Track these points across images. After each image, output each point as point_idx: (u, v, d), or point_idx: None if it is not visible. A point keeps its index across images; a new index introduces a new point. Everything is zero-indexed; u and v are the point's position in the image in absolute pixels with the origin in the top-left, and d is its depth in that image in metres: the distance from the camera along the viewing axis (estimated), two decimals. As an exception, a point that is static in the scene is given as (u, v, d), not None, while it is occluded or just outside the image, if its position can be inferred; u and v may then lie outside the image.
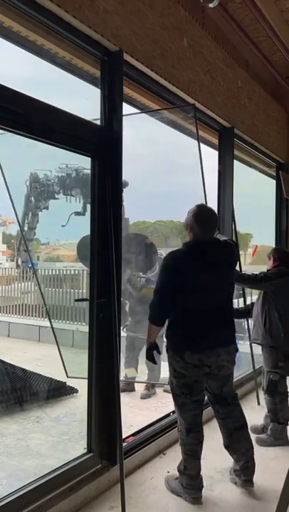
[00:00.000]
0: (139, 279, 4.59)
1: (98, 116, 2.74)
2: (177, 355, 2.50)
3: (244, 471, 2.65)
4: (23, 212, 12.22)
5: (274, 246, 5.68)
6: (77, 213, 5.37)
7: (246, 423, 2.70)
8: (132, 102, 3.42)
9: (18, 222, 12.43)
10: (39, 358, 6.99)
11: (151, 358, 2.64)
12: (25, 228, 12.48)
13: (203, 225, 2.56)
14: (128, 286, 4.52)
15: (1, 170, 3.76)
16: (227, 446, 2.70)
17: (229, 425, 2.67)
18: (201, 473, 2.60)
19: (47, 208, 11.30)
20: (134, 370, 5.37)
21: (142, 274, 4.62)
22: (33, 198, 11.44)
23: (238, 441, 2.66)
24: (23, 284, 10.82)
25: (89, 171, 4.62)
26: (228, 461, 2.78)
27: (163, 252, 4.43)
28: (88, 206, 5.03)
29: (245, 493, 2.65)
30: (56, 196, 10.55)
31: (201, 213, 2.59)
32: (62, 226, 5.72)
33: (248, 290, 4.49)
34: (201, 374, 2.52)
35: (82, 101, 3.07)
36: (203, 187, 3.54)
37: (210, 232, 2.60)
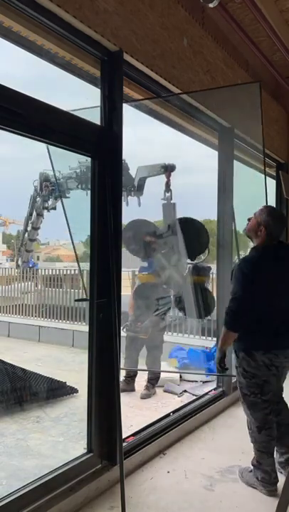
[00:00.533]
0: (187, 266, 4.49)
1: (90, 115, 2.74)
2: (248, 355, 2.58)
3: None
4: (27, 213, 12.24)
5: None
6: None
7: None
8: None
9: (26, 225, 12.45)
10: (39, 358, 6.99)
11: (222, 368, 2.71)
12: (29, 228, 12.49)
13: (277, 223, 2.67)
14: (174, 272, 4.46)
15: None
16: (277, 439, 2.76)
17: (280, 421, 2.76)
18: (202, 473, 2.61)
19: (54, 208, 11.31)
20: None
21: (190, 260, 4.52)
22: (39, 199, 11.44)
23: (286, 435, 2.77)
24: (23, 284, 10.82)
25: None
26: (228, 461, 2.78)
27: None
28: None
29: (245, 493, 2.64)
30: (67, 195, 10.52)
31: (274, 211, 2.76)
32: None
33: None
34: (270, 374, 2.60)
35: (82, 101, 3.07)
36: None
37: (281, 232, 2.73)
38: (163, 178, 4.59)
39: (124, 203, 5.05)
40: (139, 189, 4.79)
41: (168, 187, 4.44)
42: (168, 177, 4.39)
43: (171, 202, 4.40)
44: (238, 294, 2.55)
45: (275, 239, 2.68)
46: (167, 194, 4.40)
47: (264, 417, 2.63)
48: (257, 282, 2.53)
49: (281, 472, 2.74)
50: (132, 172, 5.12)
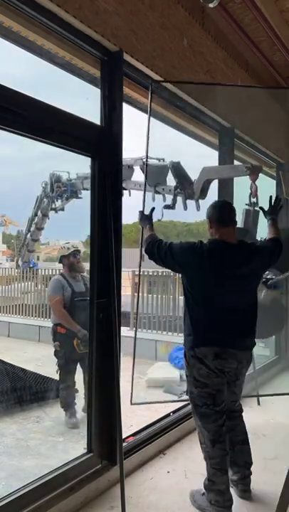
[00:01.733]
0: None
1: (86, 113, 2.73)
2: (199, 361, 2.39)
3: (243, 481, 2.61)
4: (32, 213, 12.23)
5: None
6: (168, 206, 5.21)
7: (248, 437, 2.67)
8: (132, 102, 3.42)
9: (30, 226, 12.42)
10: (39, 358, 6.98)
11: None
12: (32, 228, 12.48)
13: (220, 210, 2.55)
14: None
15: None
16: (229, 458, 2.57)
17: (233, 438, 2.60)
18: (202, 473, 2.59)
19: (63, 209, 11.30)
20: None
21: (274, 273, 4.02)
22: (45, 199, 11.43)
23: (240, 454, 2.61)
24: (23, 284, 10.82)
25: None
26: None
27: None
28: (179, 199, 4.89)
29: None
30: (80, 195, 10.49)
31: (216, 202, 2.65)
32: (159, 220, 5.49)
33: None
34: (223, 382, 2.43)
35: (83, 101, 3.07)
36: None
37: (229, 226, 2.52)
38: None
39: (182, 207, 4.94)
40: (203, 192, 4.29)
41: (254, 191, 3.88)
42: (254, 180, 3.84)
43: (256, 209, 3.86)
44: (163, 251, 2.46)
45: (226, 230, 2.48)
46: (253, 199, 3.88)
47: (217, 429, 2.41)
48: (198, 269, 2.38)
49: (232, 487, 2.56)
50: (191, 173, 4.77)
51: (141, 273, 9.67)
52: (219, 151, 4.38)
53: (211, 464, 2.42)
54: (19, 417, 4.36)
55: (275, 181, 5.71)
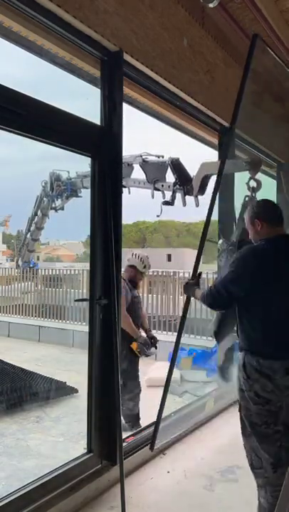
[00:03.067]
0: None
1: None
2: (264, 377, 2.08)
3: None
4: (32, 212, 12.23)
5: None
6: (167, 203, 5.16)
7: None
8: (132, 102, 3.42)
9: (30, 225, 12.40)
10: (39, 358, 7.00)
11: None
12: (32, 228, 12.48)
13: (271, 209, 2.31)
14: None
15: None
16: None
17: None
18: (202, 473, 2.59)
19: (62, 208, 11.31)
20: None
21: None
22: (45, 199, 11.44)
23: None
24: (23, 284, 10.82)
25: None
26: (228, 461, 2.78)
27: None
28: (178, 195, 4.81)
29: (245, 493, 2.64)
30: (79, 194, 10.48)
31: (266, 201, 2.40)
32: (158, 216, 5.42)
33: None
34: (287, 397, 2.11)
35: (83, 101, 3.07)
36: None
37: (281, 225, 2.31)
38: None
39: (181, 203, 4.89)
40: (202, 188, 4.23)
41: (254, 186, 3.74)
42: (254, 175, 3.69)
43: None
44: (227, 285, 2.16)
45: (279, 229, 2.27)
46: (253, 194, 3.70)
47: (279, 451, 2.11)
48: (259, 276, 2.11)
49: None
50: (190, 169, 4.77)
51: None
52: (219, 151, 4.38)
53: (270, 492, 2.10)
54: (19, 417, 4.37)
55: (275, 181, 5.71)
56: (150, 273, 8.92)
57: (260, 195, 3.67)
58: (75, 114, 2.55)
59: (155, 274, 9.06)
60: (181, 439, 3.36)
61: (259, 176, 5.46)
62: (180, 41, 3.35)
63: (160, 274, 9.18)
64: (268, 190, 5.70)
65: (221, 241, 3.48)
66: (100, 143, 2.67)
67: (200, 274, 2.72)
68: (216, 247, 3.56)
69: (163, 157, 5.22)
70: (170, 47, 3.22)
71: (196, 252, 3.17)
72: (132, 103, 3.43)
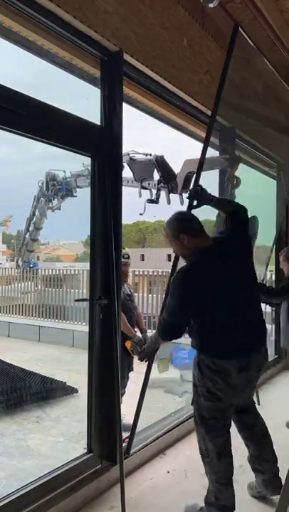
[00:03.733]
0: None
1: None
2: (217, 375, 2.16)
3: (275, 478, 2.45)
4: (30, 212, 12.26)
5: (273, 246, 5.66)
6: (151, 201, 5.12)
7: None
8: (132, 102, 3.42)
9: (28, 225, 12.45)
10: (39, 358, 7.00)
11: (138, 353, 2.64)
12: (31, 228, 12.51)
13: (191, 221, 2.33)
14: None
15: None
16: (257, 456, 2.49)
17: (258, 432, 2.48)
18: (202, 473, 2.58)
19: (59, 208, 11.33)
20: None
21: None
22: (42, 199, 11.47)
23: (267, 447, 2.48)
24: (23, 284, 10.83)
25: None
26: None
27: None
28: (162, 193, 4.77)
29: (245, 493, 2.64)
30: (74, 194, 10.51)
31: (179, 214, 2.39)
32: (141, 214, 5.40)
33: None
34: (238, 395, 2.25)
35: (82, 101, 3.07)
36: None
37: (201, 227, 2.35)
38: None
39: (165, 201, 4.86)
40: (186, 186, 4.20)
41: (233, 181, 3.69)
42: (232, 171, 3.70)
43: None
44: (174, 318, 2.25)
45: (204, 238, 2.31)
46: (232, 190, 3.68)
47: (224, 442, 2.27)
48: (202, 294, 2.17)
49: (264, 496, 2.53)
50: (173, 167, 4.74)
51: (141, 273, 9.70)
52: (219, 151, 4.38)
53: (216, 479, 2.27)
54: (19, 417, 4.37)
55: (275, 181, 5.72)
56: (150, 273, 8.94)
57: (258, 196, 3.69)
58: (75, 114, 2.54)
59: (155, 274, 9.07)
60: (181, 438, 3.36)
61: (259, 176, 5.48)
62: (180, 41, 3.35)
63: (160, 274, 9.19)
64: (268, 190, 5.72)
65: None
66: (100, 143, 2.67)
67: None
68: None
69: (151, 155, 5.21)
70: (170, 47, 3.22)
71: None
72: (132, 103, 3.42)
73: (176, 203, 4.56)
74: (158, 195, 4.99)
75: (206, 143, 3.04)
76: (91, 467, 2.62)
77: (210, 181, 3.88)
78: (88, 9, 2.43)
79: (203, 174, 3.01)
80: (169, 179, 4.67)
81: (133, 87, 3.13)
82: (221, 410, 2.24)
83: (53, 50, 2.60)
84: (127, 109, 2.91)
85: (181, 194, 4.36)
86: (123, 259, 3.98)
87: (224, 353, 2.18)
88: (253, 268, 2.40)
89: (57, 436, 3.88)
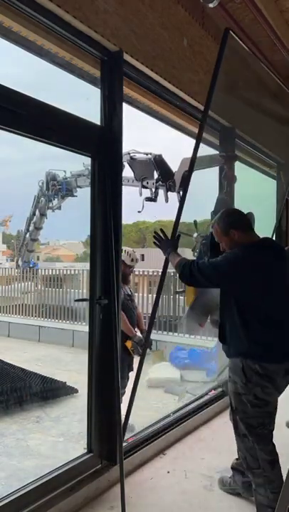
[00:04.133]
0: None
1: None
2: (267, 380, 2.11)
3: None
4: (30, 212, 12.27)
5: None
6: (149, 199, 5.15)
7: None
8: (132, 102, 3.42)
9: (28, 225, 12.47)
10: (39, 358, 7.01)
11: None
12: (31, 228, 12.52)
13: (243, 217, 2.37)
14: None
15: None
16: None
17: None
18: (202, 473, 2.58)
19: (59, 208, 11.34)
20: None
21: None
22: (43, 198, 11.48)
23: None
24: (23, 284, 10.82)
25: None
26: (228, 461, 2.77)
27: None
28: (161, 192, 4.80)
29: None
30: (75, 194, 10.53)
31: (232, 210, 2.48)
32: (139, 212, 5.43)
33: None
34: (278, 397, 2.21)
35: (82, 101, 3.07)
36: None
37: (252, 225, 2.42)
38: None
39: (163, 200, 4.89)
40: (183, 184, 4.12)
41: (229, 179, 3.74)
42: (229, 167, 3.76)
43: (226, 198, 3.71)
44: (205, 271, 2.19)
45: (254, 233, 2.34)
46: (228, 188, 3.70)
47: (273, 449, 2.21)
48: (252, 279, 2.15)
49: (239, 493, 2.54)
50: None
51: (141, 273, 9.70)
52: (220, 151, 4.38)
53: (271, 489, 2.15)
54: (19, 417, 4.37)
55: (275, 181, 5.71)
56: (150, 273, 8.93)
57: (257, 196, 3.70)
58: (75, 114, 2.54)
59: (155, 274, 9.05)
60: (181, 439, 3.36)
61: (258, 175, 5.48)
62: (180, 41, 3.35)
63: (160, 274, 9.18)
64: (268, 190, 5.72)
65: (196, 234, 3.53)
66: (100, 143, 2.67)
67: (179, 236, 2.69)
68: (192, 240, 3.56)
69: (151, 154, 5.23)
70: (170, 47, 3.22)
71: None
72: (132, 103, 3.43)
73: (175, 201, 4.58)
74: (156, 194, 5.02)
75: (198, 139, 3.03)
76: (91, 467, 2.62)
77: (210, 179, 3.90)
78: (88, 9, 2.43)
79: (202, 172, 3.02)
80: (167, 178, 4.71)
81: (133, 87, 3.13)
82: (269, 416, 2.20)
83: (53, 50, 2.60)
84: (127, 109, 2.91)
85: (178, 192, 4.40)
86: (130, 263, 4.00)
87: (274, 357, 2.14)
88: None
89: (57, 436, 3.88)
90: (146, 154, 5.24)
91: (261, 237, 2.38)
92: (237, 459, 2.53)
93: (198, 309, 3.15)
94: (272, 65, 4.72)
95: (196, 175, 3.09)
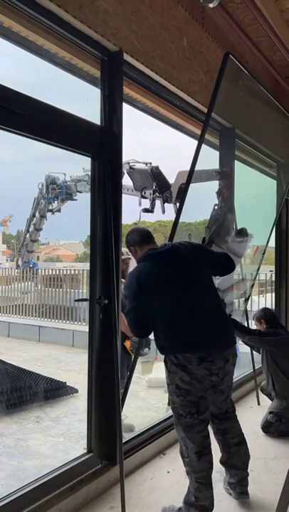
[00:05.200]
0: None
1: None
2: (181, 369, 2.24)
3: (241, 483, 2.56)
4: (30, 214, 12.28)
5: (274, 247, 5.67)
6: (146, 210, 5.21)
7: (244, 437, 2.59)
8: (132, 102, 3.42)
9: (28, 226, 12.48)
10: (39, 358, 7.01)
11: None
12: (31, 229, 12.53)
13: (135, 233, 2.57)
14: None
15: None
16: (224, 462, 2.57)
17: (229, 441, 2.53)
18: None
19: (59, 210, 11.35)
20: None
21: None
22: (43, 201, 11.48)
23: (237, 456, 2.54)
24: (23, 284, 10.82)
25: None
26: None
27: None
28: (158, 202, 4.86)
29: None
30: (75, 197, 10.55)
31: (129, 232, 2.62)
32: (135, 224, 5.49)
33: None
34: (207, 387, 2.29)
35: (82, 101, 3.07)
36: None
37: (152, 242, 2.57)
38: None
39: (160, 211, 4.94)
40: (180, 196, 4.36)
41: (222, 194, 3.83)
42: (224, 184, 3.86)
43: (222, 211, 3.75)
44: (130, 313, 2.36)
45: (150, 243, 2.52)
46: (222, 203, 3.80)
47: (203, 440, 2.29)
48: (151, 291, 2.31)
49: (230, 493, 2.60)
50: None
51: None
52: (220, 151, 4.38)
53: (195, 479, 2.29)
54: (19, 417, 4.37)
55: (275, 181, 5.71)
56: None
57: (256, 195, 3.73)
58: (74, 114, 2.55)
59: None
60: (181, 439, 3.36)
61: (258, 175, 5.48)
62: (180, 41, 3.35)
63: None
64: (268, 190, 5.72)
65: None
66: (100, 143, 2.67)
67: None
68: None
69: (151, 164, 5.26)
70: (170, 47, 3.22)
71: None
72: (132, 103, 3.43)
73: (171, 213, 4.66)
74: (153, 205, 5.06)
75: (199, 146, 3.07)
76: (91, 467, 2.63)
77: (211, 191, 3.95)
78: (88, 9, 2.43)
79: (201, 185, 3.10)
80: (163, 189, 4.77)
81: (133, 87, 3.13)
82: (194, 404, 2.27)
83: (53, 50, 2.59)
84: (127, 109, 2.91)
85: (175, 204, 4.48)
86: (125, 256, 3.98)
87: (184, 347, 2.28)
88: (210, 278, 2.57)
89: (57, 436, 3.88)
90: (146, 164, 5.26)
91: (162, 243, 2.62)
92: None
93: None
94: (272, 65, 4.73)
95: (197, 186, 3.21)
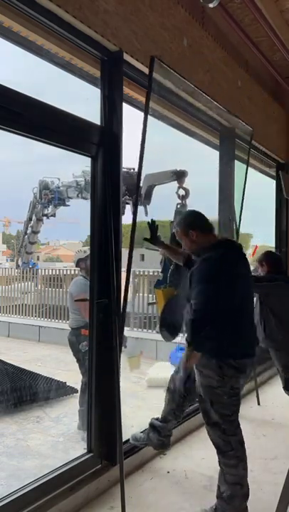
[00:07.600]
0: None
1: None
2: (237, 371, 2.31)
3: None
4: (27, 217, 12.28)
5: (273, 246, 5.67)
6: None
7: None
8: (132, 102, 3.42)
9: (26, 229, 12.50)
10: (39, 358, 7.01)
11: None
12: (29, 231, 12.55)
13: (201, 218, 2.52)
14: None
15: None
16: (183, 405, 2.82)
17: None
18: (202, 473, 2.59)
19: (54, 215, 11.36)
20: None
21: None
22: (38, 205, 11.49)
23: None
24: (23, 284, 10.82)
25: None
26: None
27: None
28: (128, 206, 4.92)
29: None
30: (67, 203, 10.57)
31: (191, 212, 2.61)
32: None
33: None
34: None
35: (82, 101, 3.07)
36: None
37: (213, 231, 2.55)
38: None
39: (130, 213, 4.97)
40: (147, 198, 4.54)
41: (183, 193, 4.07)
42: (181, 184, 4.07)
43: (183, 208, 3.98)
44: (203, 305, 2.20)
45: (213, 234, 2.50)
46: (182, 201, 4.02)
47: (240, 430, 2.41)
48: (231, 282, 2.25)
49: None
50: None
51: (141, 273, 9.70)
52: (220, 151, 4.38)
53: (242, 467, 2.36)
54: (19, 417, 4.37)
55: (274, 181, 5.72)
56: (150, 273, 8.92)
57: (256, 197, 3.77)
58: (74, 114, 2.54)
59: (155, 274, 9.05)
60: (181, 439, 3.36)
61: (258, 175, 5.49)
62: (180, 41, 3.35)
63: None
64: (268, 190, 5.73)
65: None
66: (100, 143, 2.67)
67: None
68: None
69: (134, 169, 5.33)
70: (170, 47, 3.22)
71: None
72: (132, 103, 3.42)
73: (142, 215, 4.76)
74: (123, 208, 5.14)
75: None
76: (91, 467, 2.62)
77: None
78: (88, 9, 2.43)
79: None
80: (133, 193, 4.86)
81: (133, 87, 3.13)
82: (238, 403, 2.41)
83: (53, 50, 2.60)
84: (127, 109, 2.91)
85: (145, 206, 4.64)
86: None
87: (244, 353, 2.35)
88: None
89: (57, 436, 3.88)
90: (129, 170, 5.33)
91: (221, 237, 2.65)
92: (156, 419, 2.81)
93: (170, 316, 3.34)
94: (272, 65, 4.74)
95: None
